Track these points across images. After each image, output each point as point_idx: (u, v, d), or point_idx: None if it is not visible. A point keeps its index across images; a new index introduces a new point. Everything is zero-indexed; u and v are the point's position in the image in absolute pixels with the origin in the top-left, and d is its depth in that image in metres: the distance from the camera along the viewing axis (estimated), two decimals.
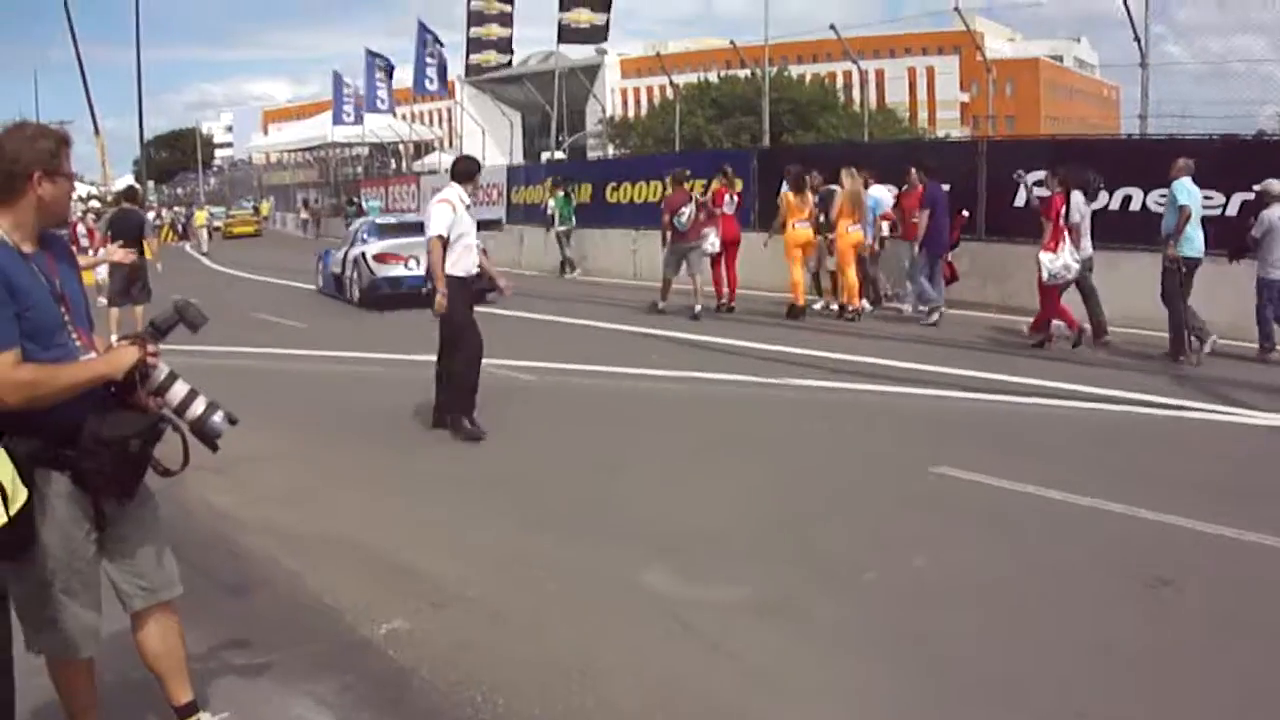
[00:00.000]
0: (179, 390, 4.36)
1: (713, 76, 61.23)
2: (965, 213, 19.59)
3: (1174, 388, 12.68)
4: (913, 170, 18.82)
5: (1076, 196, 15.98)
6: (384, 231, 25.70)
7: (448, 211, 11.11)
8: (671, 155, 33.80)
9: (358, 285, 24.67)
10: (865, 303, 20.02)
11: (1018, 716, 5.22)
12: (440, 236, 11.05)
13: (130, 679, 5.05)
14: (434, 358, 11.57)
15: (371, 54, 56.17)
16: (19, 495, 3.57)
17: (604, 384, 13.25)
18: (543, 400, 11.72)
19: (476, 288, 11.83)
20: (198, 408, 4.38)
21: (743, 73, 47.33)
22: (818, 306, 20.35)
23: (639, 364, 14.74)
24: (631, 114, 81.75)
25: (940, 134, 65.92)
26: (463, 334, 11.22)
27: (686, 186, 21.16)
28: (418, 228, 23.87)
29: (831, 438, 11.00)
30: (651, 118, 66.48)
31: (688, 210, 20.20)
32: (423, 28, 47.34)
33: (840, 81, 62.94)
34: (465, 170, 11.66)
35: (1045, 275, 15.73)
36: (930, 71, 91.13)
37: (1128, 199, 18.08)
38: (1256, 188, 15.39)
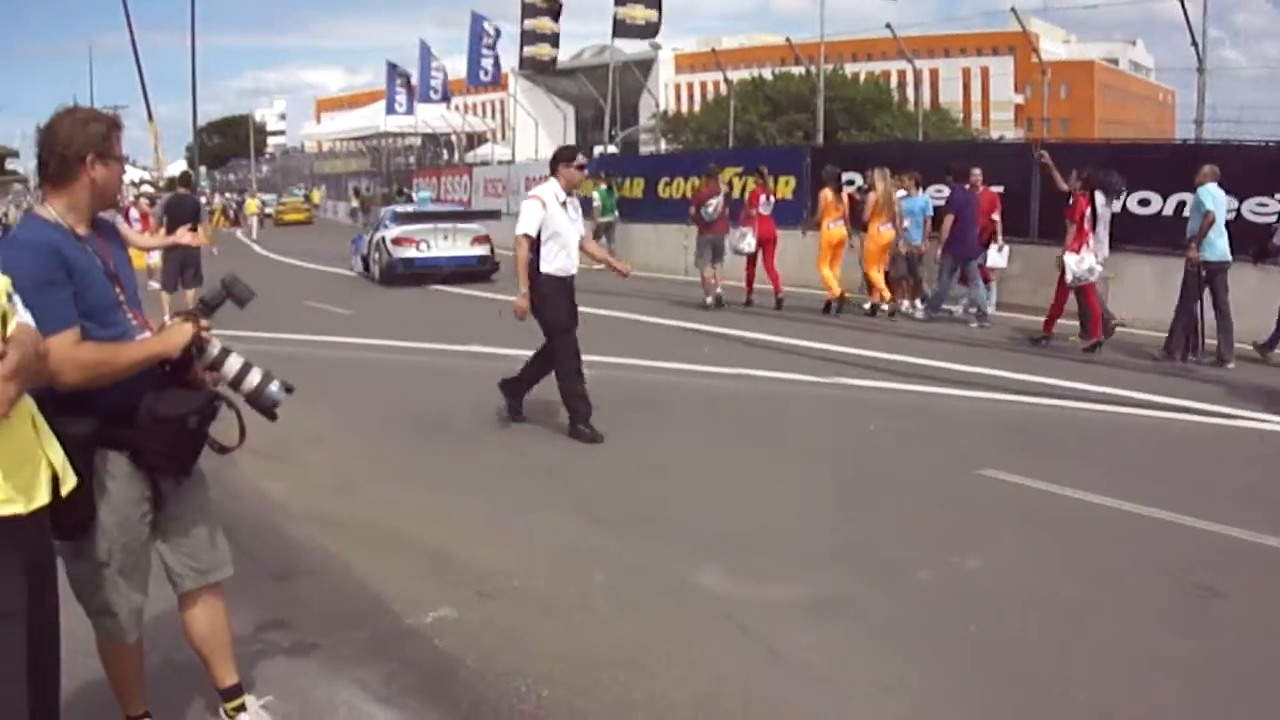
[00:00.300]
0: (234, 363, 4.40)
1: (767, 73, 61.11)
2: (995, 217, 19.49)
3: (1222, 395, 12.55)
4: (975, 171, 18.75)
5: (1098, 199, 16.30)
6: (402, 219, 28.71)
7: (536, 209, 10.55)
8: (724, 151, 33.77)
9: (379, 265, 27.95)
10: (918, 303, 20.03)
11: None
12: (526, 235, 10.55)
13: (175, 660, 5.08)
14: (486, 349, 11.53)
15: (425, 44, 56.33)
16: (69, 479, 3.58)
17: (653, 379, 13.24)
18: (592, 394, 11.70)
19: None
20: (254, 378, 4.44)
21: (797, 70, 47.26)
22: (885, 307, 20.34)
23: (688, 359, 14.72)
24: (685, 109, 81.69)
25: (994, 135, 65.59)
26: (556, 336, 10.78)
27: (719, 181, 21.86)
28: (433, 216, 28.90)
29: (879, 438, 10.95)
30: (705, 113, 66.39)
31: (714, 202, 20.89)
32: (477, 19, 47.43)
33: (894, 80, 62.67)
34: (553, 160, 11.00)
35: (1070, 276, 16.05)
36: (985, 72, 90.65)
37: (1182, 205, 17.90)
38: (1278, 195, 15.98)
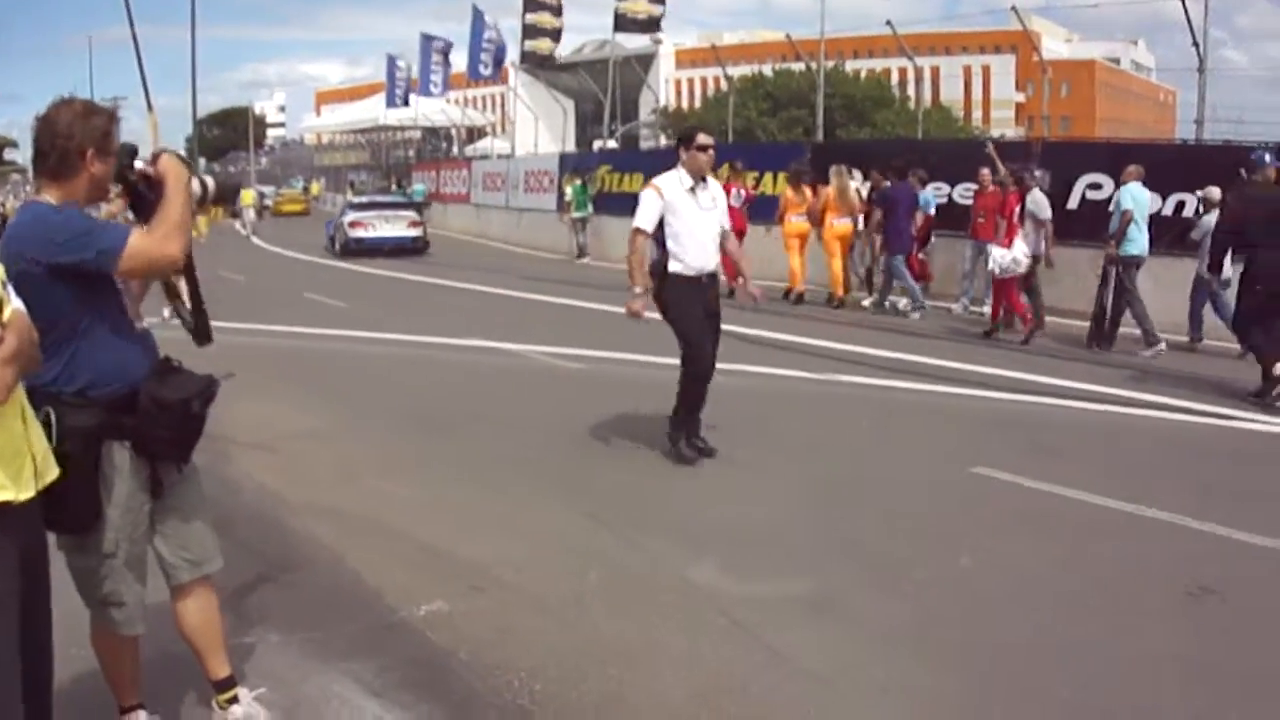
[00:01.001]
0: (195, 185, 4.55)
1: (767, 69, 61.13)
2: (932, 212, 20.39)
3: (1215, 396, 12.52)
4: (984, 171, 18.95)
5: (1039, 196, 17.13)
6: (356, 208, 38.12)
7: (652, 200, 9.40)
8: (723, 147, 33.69)
9: (339, 243, 35.81)
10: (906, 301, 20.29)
11: None
12: (638, 229, 9.48)
13: (170, 652, 5.05)
14: (486, 343, 11.44)
15: (427, 37, 56.18)
16: (48, 471, 3.60)
17: (651, 374, 13.14)
18: (589, 389, 11.72)
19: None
20: (209, 179, 4.74)
21: (797, 66, 47.26)
22: (866, 303, 20.87)
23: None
24: (685, 105, 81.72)
25: (995, 134, 65.60)
26: (689, 343, 9.67)
27: None
28: (379, 206, 38.67)
29: (873, 435, 10.99)
30: (705, 109, 66.37)
31: None
32: (478, 12, 47.38)
33: (895, 78, 62.75)
34: (676, 144, 9.94)
35: (996, 269, 16.74)
36: (986, 70, 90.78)
37: (1181, 205, 17.92)
38: (1199, 193, 16.79)
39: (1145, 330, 15.81)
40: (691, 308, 9.49)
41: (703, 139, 9.54)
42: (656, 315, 9.60)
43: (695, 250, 9.41)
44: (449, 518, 8.15)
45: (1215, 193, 15.59)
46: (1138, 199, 15.92)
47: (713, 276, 9.68)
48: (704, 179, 9.54)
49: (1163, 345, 15.54)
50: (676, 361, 9.83)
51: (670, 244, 9.38)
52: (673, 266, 9.40)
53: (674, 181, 9.46)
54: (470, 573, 6.90)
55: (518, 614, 6.28)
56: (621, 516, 8.18)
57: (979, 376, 13.54)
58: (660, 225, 9.41)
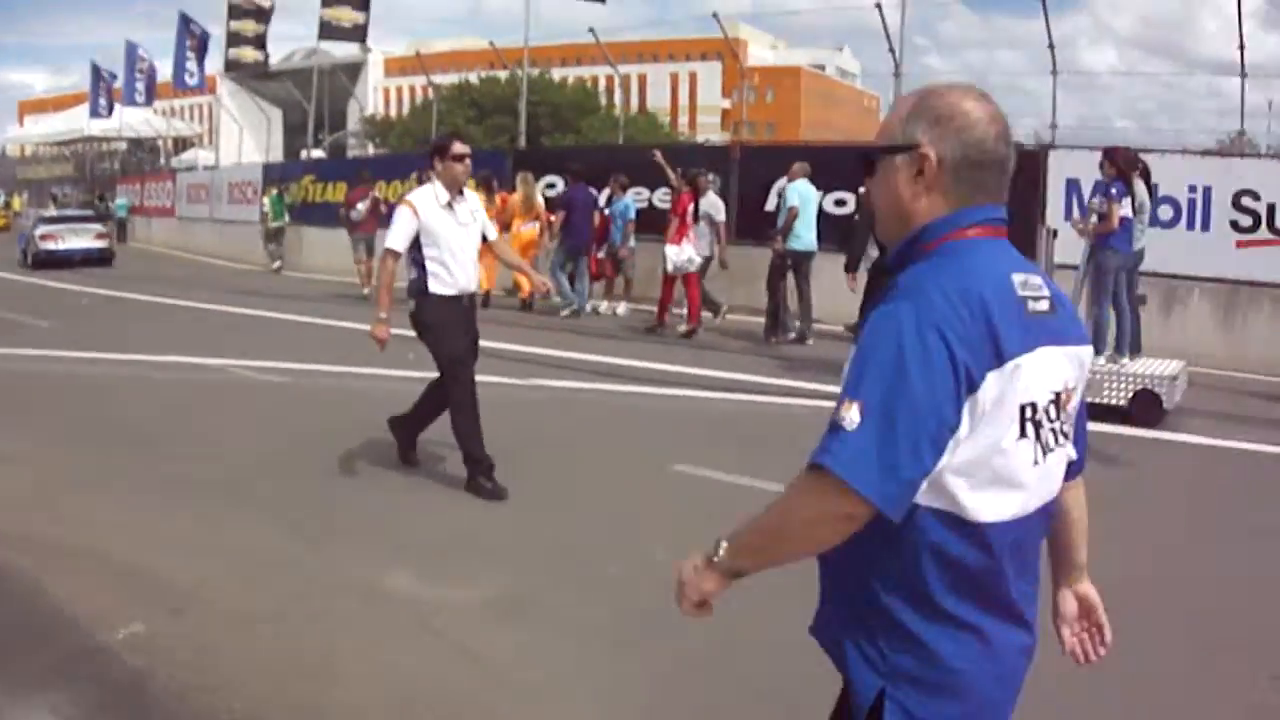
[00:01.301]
0: None
1: (474, 77, 61.32)
2: (608, 211, 20.95)
3: None
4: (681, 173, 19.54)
5: (714, 198, 18.38)
6: (46, 221, 39.91)
7: (405, 219, 8.87)
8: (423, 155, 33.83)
9: (30, 255, 37.16)
10: (623, 304, 21.10)
11: (772, 709, 5.44)
12: (390, 250, 9.00)
13: None
14: (185, 359, 11.23)
15: (132, 44, 54.62)
16: None
17: (353, 385, 13.16)
18: (290, 403, 11.60)
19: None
20: None
21: (503, 74, 47.57)
22: (595, 308, 21.51)
23: (391, 365, 14.48)
24: (394, 113, 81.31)
25: (700, 139, 66.89)
26: (450, 363, 9.19)
27: (368, 186, 25.60)
28: (68, 219, 40.55)
29: (575, 436, 11.31)
30: (412, 117, 66.27)
31: (362, 204, 24.30)
32: (184, 19, 46.24)
33: (603, 85, 63.51)
34: (429, 155, 9.43)
35: (670, 266, 17.65)
36: (693, 77, 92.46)
37: None
38: (861, 188, 17.34)
39: (769, 324, 17.28)
40: (453, 329, 9.08)
41: (458, 148, 9.08)
42: (406, 333, 9.42)
43: (456, 268, 9.00)
44: (149, 538, 8.02)
45: None
46: (804, 195, 16.86)
47: (473, 297, 9.34)
48: (461, 192, 9.17)
49: (792, 334, 17.11)
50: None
51: (429, 264, 8.92)
52: (433, 286, 8.96)
53: (429, 198, 8.98)
54: (170, 593, 6.86)
55: (217, 632, 6.29)
56: (319, 530, 8.24)
57: (674, 375, 14.12)
58: (417, 245, 8.93)
